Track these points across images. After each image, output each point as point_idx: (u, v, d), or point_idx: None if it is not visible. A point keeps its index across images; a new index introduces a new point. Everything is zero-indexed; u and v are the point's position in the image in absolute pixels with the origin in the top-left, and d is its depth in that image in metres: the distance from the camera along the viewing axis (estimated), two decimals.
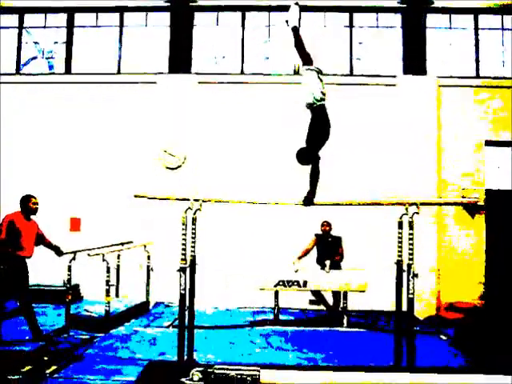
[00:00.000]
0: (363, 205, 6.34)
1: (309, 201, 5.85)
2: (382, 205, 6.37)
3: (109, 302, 8.36)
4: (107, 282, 8.43)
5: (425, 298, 10.39)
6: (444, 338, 8.52)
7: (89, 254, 8.12)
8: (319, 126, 5.77)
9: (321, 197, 6.00)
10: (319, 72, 5.85)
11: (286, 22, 6.04)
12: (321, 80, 5.80)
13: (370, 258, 10.00)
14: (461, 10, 11.34)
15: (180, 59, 11.45)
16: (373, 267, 9.46)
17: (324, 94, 5.79)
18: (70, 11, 11.82)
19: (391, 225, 6.68)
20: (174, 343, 6.35)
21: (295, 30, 5.90)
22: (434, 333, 8.88)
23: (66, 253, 7.78)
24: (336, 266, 9.27)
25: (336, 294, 9.37)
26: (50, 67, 11.99)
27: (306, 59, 5.88)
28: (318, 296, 9.48)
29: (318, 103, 5.75)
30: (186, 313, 6.33)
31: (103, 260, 8.35)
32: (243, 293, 10.28)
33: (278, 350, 7.54)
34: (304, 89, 5.87)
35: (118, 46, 11.73)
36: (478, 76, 11.21)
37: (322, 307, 9.63)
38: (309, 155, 5.75)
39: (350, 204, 6.47)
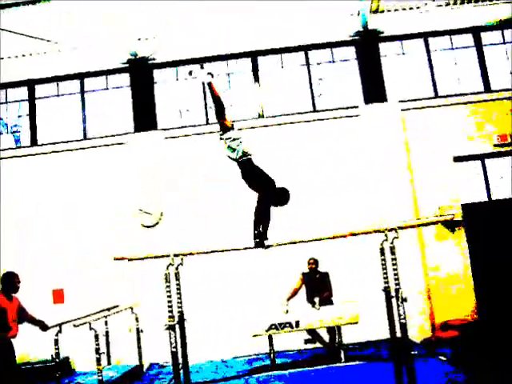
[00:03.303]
0: (340, 237, 6.33)
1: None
2: (360, 234, 6.38)
3: (101, 371, 8.12)
4: (97, 350, 8.21)
5: (419, 321, 10.32)
6: (443, 358, 8.45)
7: (74, 325, 7.92)
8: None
9: (300, 234, 6.01)
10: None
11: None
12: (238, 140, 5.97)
13: (359, 289, 9.94)
14: (411, 36, 11.70)
15: (145, 117, 11.54)
16: (364, 297, 9.41)
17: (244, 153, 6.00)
18: (31, 84, 11.90)
19: (375, 252, 6.69)
20: None
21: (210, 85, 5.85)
22: (432, 355, 8.81)
23: (51, 326, 7.57)
24: (327, 301, 9.20)
25: (331, 330, 9.27)
26: (17, 141, 11.98)
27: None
28: (312, 334, 9.36)
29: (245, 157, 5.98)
30: (181, 371, 6.21)
31: (90, 328, 8.15)
32: (237, 341, 10.13)
33: None
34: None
35: (82, 111, 11.81)
36: (436, 96, 11.49)
37: (318, 345, 9.50)
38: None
39: (324, 238, 6.44)
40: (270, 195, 5.88)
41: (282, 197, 5.92)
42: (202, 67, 6.27)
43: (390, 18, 11.60)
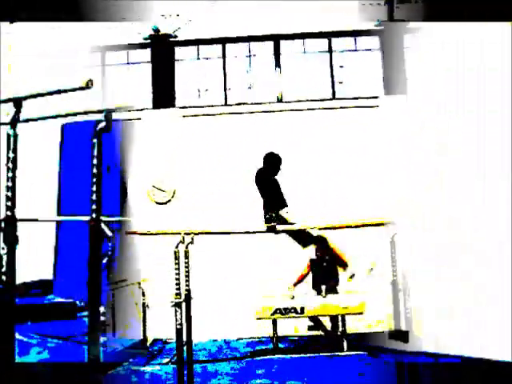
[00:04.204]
0: (348, 227, 6.31)
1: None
2: (368, 226, 6.35)
3: (105, 343, 8.22)
4: (103, 322, 8.30)
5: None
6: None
7: None
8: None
9: (309, 221, 6.00)
10: None
11: None
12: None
13: (366, 279, 9.92)
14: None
15: (163, 94, 11.54)
16: (370, 288, 9.39)
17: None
18: None
19: (385, 244, 6.67)
20: (175, 380, 6.26)
21: None
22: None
23: None
24: (333, 290, 9.20)
25: (334, 318, 9.27)
26: None
27: None
28: (315, 321, 9.37)
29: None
30: (185, 348, 6.26)
31: None
32: (241, 323, 10.16)
33: (280, 381, 7.43)
34: None
35: (101, 84, 11.82)
36: None
37: (321, 332, 9.52)
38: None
39: (335, 227, 6.42)
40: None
41: (273, 164, 6.12)
42: None
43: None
